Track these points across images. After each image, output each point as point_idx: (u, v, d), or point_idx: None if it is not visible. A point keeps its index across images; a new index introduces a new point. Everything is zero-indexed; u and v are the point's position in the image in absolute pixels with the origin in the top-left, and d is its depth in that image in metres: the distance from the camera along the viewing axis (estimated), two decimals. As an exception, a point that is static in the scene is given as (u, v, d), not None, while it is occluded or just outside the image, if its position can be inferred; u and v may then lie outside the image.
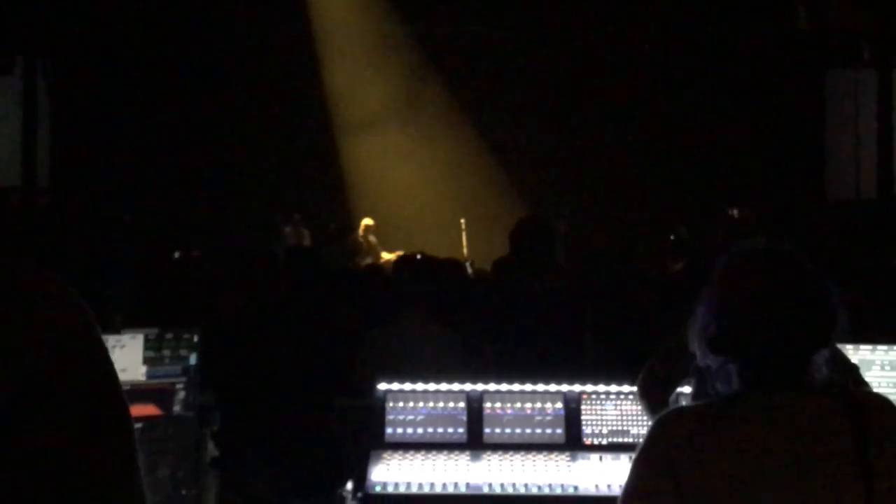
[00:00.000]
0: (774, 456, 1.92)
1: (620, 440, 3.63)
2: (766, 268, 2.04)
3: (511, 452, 3.69)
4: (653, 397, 3.29)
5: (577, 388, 3.82)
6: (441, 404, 3.78)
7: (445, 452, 3.68)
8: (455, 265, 6.12)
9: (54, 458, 1.16)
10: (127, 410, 1.27)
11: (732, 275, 2.07)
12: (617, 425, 3.70)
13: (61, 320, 1.20)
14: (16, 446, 1.14)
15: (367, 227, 13.72)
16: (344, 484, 3.78)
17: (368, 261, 12.08)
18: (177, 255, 10.46)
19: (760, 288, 2.02)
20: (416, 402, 3.77)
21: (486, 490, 3.50)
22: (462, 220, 13.41)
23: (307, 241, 13.02)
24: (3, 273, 1.20)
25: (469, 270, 11.31)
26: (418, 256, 5.95)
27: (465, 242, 13.21)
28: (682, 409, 2.04)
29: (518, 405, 3.79)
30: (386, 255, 12.75)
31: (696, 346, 2.11)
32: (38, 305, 1.20)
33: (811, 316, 2.01)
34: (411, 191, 14.53)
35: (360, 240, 13.58)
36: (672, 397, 3.01)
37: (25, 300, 1.19)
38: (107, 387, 1.24)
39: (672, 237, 12.23)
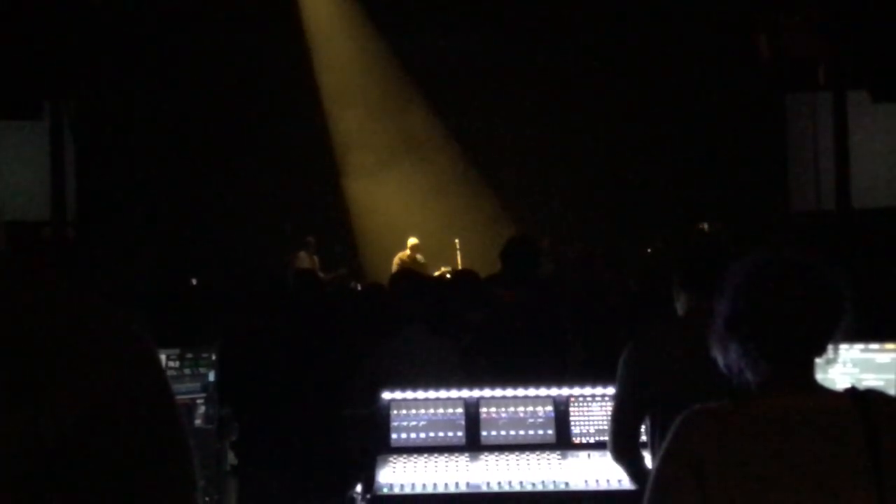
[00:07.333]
0: (796, 458, 1.86)
1: (607, 438, 3.64)
2: (782, 259, 1.99)
3: (506, 453, 3.69)
4: (628, 454, 3.28)
5: (565, 391, 3.82)
6: (441, 410, 3.78)
7: (446, 455, 3.68)
8: (448, 281, 6.10)
9: (116, 478, 1.17)
10: (184, 433, 1.29)
11: (748, 267, 1.99)
12: (603, 424, 3.69)
13: (127, 351, 1.21)
14: (80, 466, 1.14)
15: (413, 246, 13.31)
16: (353, 487, 3.78)
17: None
18: (194, 281, 10.45)
19: (774, 271, 1.97)
20: (417, 409, 3.77)
21: (484, 489, 3.50)
22: (457, 241, 13.44)
23: (315, 265, 12.92)
24: (73, 306, 1.20)
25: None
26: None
27: (460, 261, 13.21)
28: (708, 408, 1.92)
29: (512, 409, 3.79)
30: (441, 271, 12.13)
31: (716, 345, 2.01)
32: (106, 336, 1.20)
33: (821, 300, 1.94)
34: (410, 214, 14.50)
35: (407, 259, 13.04)
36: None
37: (94, 332, 1.19)
38: (166, 412, 1.27)
39: (649, 250, 12.23)
